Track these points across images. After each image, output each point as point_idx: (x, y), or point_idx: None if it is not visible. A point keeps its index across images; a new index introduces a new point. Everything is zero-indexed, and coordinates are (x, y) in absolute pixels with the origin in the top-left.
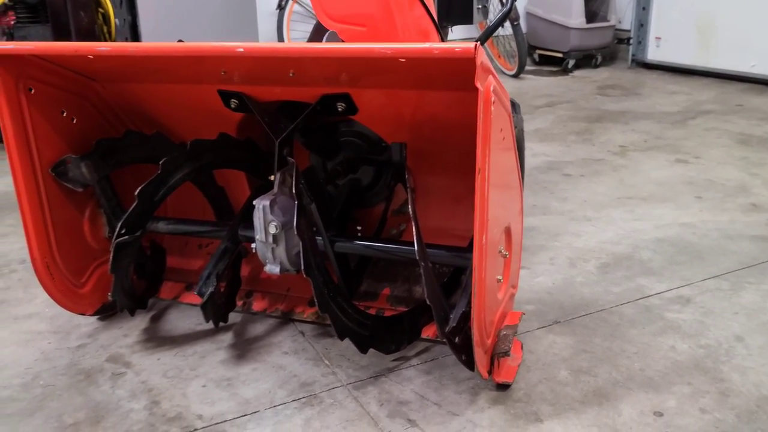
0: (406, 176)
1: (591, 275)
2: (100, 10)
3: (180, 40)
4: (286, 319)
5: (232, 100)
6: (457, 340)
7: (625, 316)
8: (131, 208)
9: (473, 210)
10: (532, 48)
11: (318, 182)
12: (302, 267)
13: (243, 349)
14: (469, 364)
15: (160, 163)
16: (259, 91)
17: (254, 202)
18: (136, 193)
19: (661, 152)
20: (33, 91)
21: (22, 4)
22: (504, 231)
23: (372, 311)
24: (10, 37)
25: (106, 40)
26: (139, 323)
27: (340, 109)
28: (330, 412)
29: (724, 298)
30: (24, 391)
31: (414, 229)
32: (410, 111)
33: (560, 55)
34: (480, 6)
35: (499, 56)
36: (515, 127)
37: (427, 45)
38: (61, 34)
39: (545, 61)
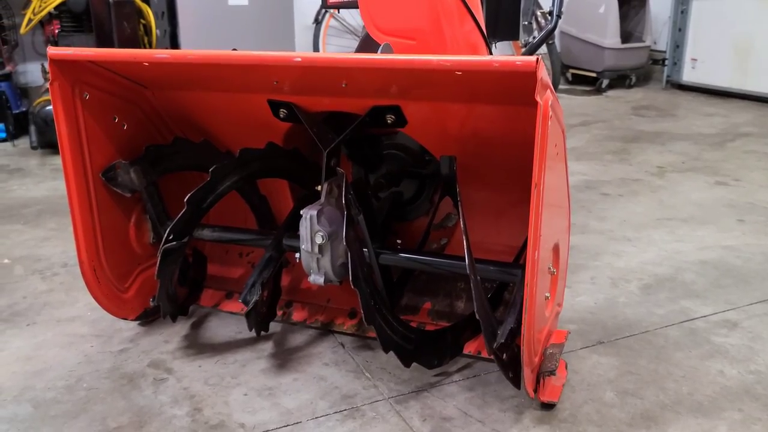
0: (457, 191)
1: (633, 296)
2: (142, 20)
3: (234, 49)
4: (326, 330)
5: (281, 110)
6: (504, 356)
7: (671, 338)
8: (180, 215)
9: (516, 225)
10: (566, 67)
11: (365, 194)
12: (350, 278)
13: (283, 358)
14: (516, 381)
15: (210, 170)
16: (308, 101)
17: (302, 212)
18: (185, 199)
19: (700, 174)
20: (88, 96)
21: (68, 13)
22: (553, 248)
23: (413, 325)
24: (55, 45)
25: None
26: (179, 330)
27: (389, 122)
28: (372, 425)
29: None
30: (68, 393)
31: (465, 243)
32: (458, 124)
33: (594, 74)
34: (526, 23)
35: None
36: None
37: (487, 58)
38: (104, 44)
39: (578, 80)
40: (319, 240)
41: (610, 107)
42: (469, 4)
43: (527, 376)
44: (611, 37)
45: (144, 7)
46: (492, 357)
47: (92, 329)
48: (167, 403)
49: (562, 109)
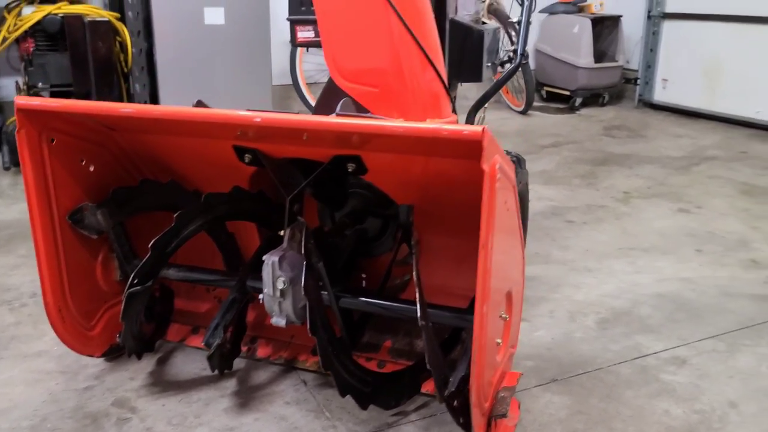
0: (412, 240)
1: (590, 331)
2: (118, 38)
3: (199, 101)
4: (289, 367)
5: (246, 155)
6: (455, 403)
7: (622, 376)
8: (144, 259)
9: (475, 270)
10: (540, 84)
11: (325, 240)
12: (308, 326)
13: (246, 397)
14: (467, 427)
15: (175, 216)
16: (272, 148)
17: (264, 258)
18: (150, 245)
19: (665, 200)
20: (54, 141)
21: (42, 32)
22: (506, 295)
23: (373, 363)
24: (29, 64)
25: (122, 68)
26: (145, 366)
27: (350, 170)
28: None
29: (720, 361)
30: None
31: (417, 293)
32: (417, 174)
33: (568, 93)
34: (489, 64)
35: (507, 92)
36: (519, 182)
37: (436, 126)
38: (78, 62)
39: (553, 98)
40: (280, 285)
41: (582, 127)
42: (428, 53)
43: (477, 420)
44: (585, 57)
45: (119, 25)
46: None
47: (58, 365)
48: None
49: (512, 165)
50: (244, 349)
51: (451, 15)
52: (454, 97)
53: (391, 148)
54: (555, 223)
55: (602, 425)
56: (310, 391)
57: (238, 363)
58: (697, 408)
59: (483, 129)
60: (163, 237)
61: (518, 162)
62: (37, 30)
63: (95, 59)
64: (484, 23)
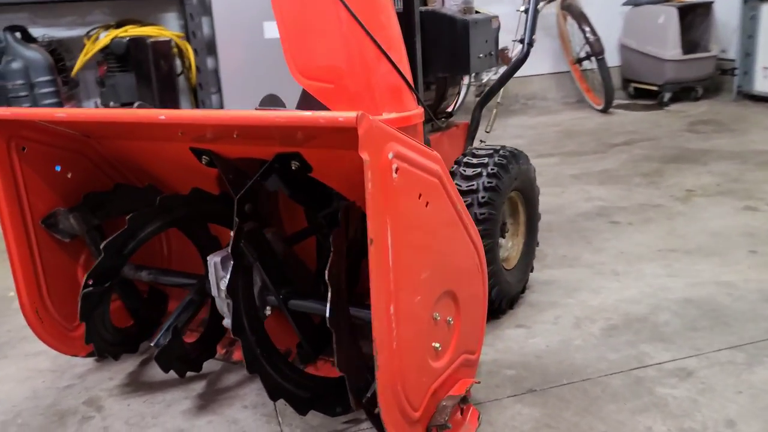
0: (332, 237)
1: (592, 338)
2: (186, 57)
3: (140, 104)
4: None
5: (203, 156)
6: (376, 411)
7: (610, 387)
8: (98, 261)
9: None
10: (627, 81)
11: (264, 242)
12: (231, 328)
13: (208, 399)
14: None
15: (127, 218)
16: (223, 148)
17: (208, 258)
18: (101, 246)
19: (731, 198)
20: (26, 149)
21: (112, 54)
22: (443, 296)
23: None
24: (102, 85)
25: (191, 85)
26: (128, 366)
27: (294, 167)
28: None
29: (732, 374)
30: (1, 429)
31: (329, 294)
32: (361, 168)
33: (656, 88)
34: (482, 55)
35: (588, 90)
36: (515, 179)
37: (311, 114)
38: (143, 82)
39: (641, 94)
40: (224, 285)
41: (665, 123)
42: (386, 45)
43: (402, 431)
44: (672, 49)
45: (183, 44)
46: (360, 410)
47: (52, 364)
48: None
49: (437, 157)
50: (222, 351)
51: (434, 6)
52: (458, 92)
53: (324, 144)
54: (597, 224)
55: None
56: None
57: (214, 366)
58: (686, 426)
59: (358, 114)
60: (116, 239)
61: (515, 157)
62: (108, 53)
63: (158, 77)
64: (477, 12)
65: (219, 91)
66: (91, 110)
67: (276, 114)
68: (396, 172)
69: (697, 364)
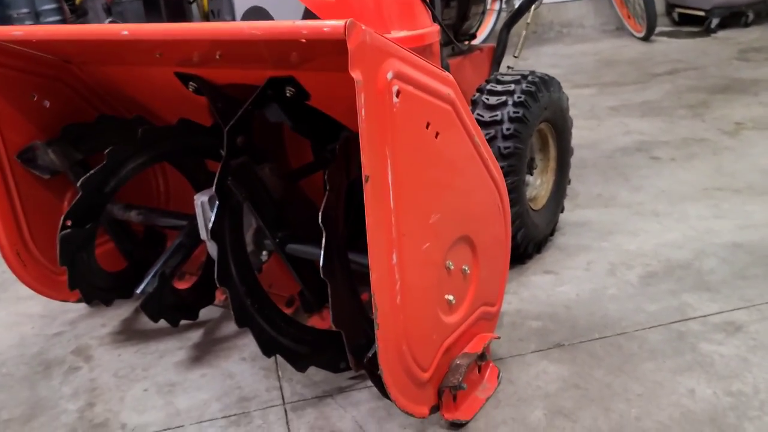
0: (327, 173)
1: (628, 287)
2: None
3: (112, 21)
4: None
5: (190, 83)
6: (379, 372)
7: (648, 343)
8: (75, 200)
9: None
10: (671, 6)
11: (255, 179)
12: (216, 277)
13: (203, 350)
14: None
15: (105, 152)
16: (212, 73)
17: (195, 198)
18: (78, 183)
19: None
20: None
21: None
22: (457, 242)
23: None
24: (109, 13)
25: (203, 12)
26: (122, 313)
27: (288, 94)
28: None
29: None
30: None
31: (324, 238)
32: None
33: (702, 13)
34: None
35: (629, 17)
36: (544, 108)
37: (291, 23)
38: (151, 8)
39: (686, 20)
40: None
41: (713, 51)
42: None
43: (410, 394)
44: None
45: None
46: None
47: (43, 309)
48: (66, 396)
49: (450, 79)
50: (222, 297)
51: None
52: (483, 12)
53: (324, 67)
54: (636, 160)
55: (598, 405)
56: None
57: (214, 312)
58: (734, 389)
59: (347, 23)
60: (94, 176)
61: (543, 85)
62: None
63: (167, 3)
64: None
65: (234, 18)
66: (50, 27)
67: (252, 25)
68: (397, 96)
69: (748, 318)
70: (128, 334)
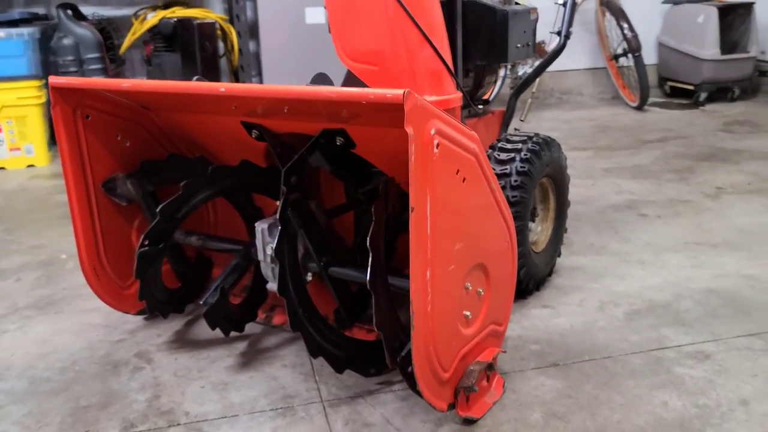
0: (373, 207)
1: (615, 321)
2: (229, 39)
3: (198, 78)
4: (299, 335)
5: (254, 130)
6: (410, 369)
7: (630, 365)
8: (153, 223)
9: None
10: (664, 79)
11: (308, 211)
12: (277, 288)
13: (249, 358)
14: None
15: (182, 184)
16: (272, 123)
17: (255, 225)
18: (157, 210)
19: (761, 197)
20: (90, 118)
21: (159, 34)
22: (474, 268)
23: (373, 335)
24: (148, 64)
25: (232, 67)
26: (174, 325)
27: (338, 143)
28: (298, 424)
29: (749, 358)
30: (60, 374)
31: (371, 259)
32: (401, 146)
33: (692, 87)
34: (520, 45)
35: (624, 87)
36: (546, 166)
37: (361, 90)
38: (188, 61)
39: (677, 93)
40: (269, 251)
41: (700, 122)
42: (429, 31)
43: (432, 388)
44: (710, 48)
45: (228, 27)
46: (395, 368)
47: (104, 320)
48: (135, 389)
49: (476, 137)
50: (262, 316)
51: None
52: (495, 81)
53: (370, 121)
54: (626, 216)
55: (586, 410)
56: (310, 357)
57: (255, 328)
58: (700, 402)
59: (405, 92)
60: (171, 204)
61: (548, 145)
62: (155, 33)
63: (202, 59)
64: (517, 3)
65: (259, 73)
66: (154, 82)
67: (329, 89)
68: (437, 148)
69: (715, 348)
70: (181, 342)
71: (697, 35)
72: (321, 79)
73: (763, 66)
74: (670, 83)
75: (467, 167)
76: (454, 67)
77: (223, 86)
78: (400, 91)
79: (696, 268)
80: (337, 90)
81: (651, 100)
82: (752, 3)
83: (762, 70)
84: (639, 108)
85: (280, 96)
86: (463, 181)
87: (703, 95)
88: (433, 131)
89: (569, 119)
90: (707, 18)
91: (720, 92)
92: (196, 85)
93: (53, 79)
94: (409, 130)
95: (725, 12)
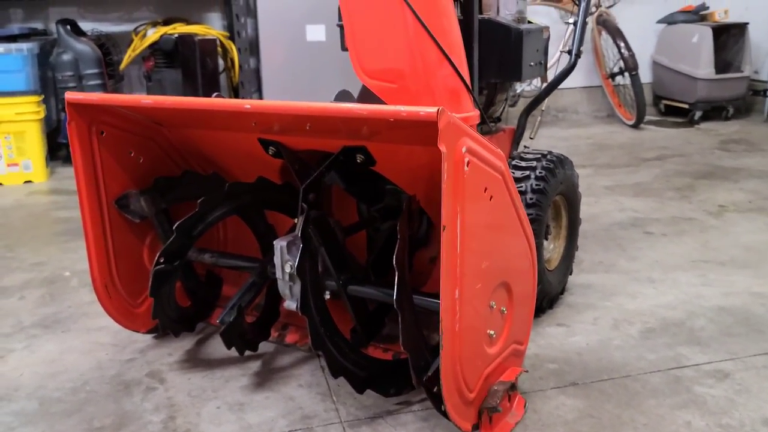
0: (398, 225)
1: (630, 339)
2: (230, 56)
3: (218, 95)
4: (313, 354)
5: (270, 147)
6: (435, 389)
7: (650, 384)
8: (169, 241)
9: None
10: (659, 98)
11: (329, 229)
12: (300, 306)
13: (264, 377)
14: (447, 414)
15: (198, 201)
16: (291, 140)
17: (274, 242)
18: (174, 227)
19: (763, 215)
20: (104, 134)
21: (160, 50)
22: (499, 286)
23: (389, 354)
24: (148, 80)
25: (233, 83)
26: (185, 344)
27: (358, 161)
28: None
29: (767, 377)
30: (72, 394)
31: (397, 277)
32: (423, 164)
33: (687, 106)
34: (533, 63)
35: (619, 105)
36: (560, 183)
37: (393, 108)
38: (189, 78)
39: (672, 111)
40: (288, 269)
41: (696, 140)
42: (448, 49)
43: (458, 408)
44: (704, 68)
45: (228, 44)
46: (419, 388)
47: (113, 339)
48: (149, 409)
49: (501, 158)
50: (275, 334)
51: (490, 15)
52: (506, 99)
53: (392, 138)
54: (632, 233)
55: (609, 430)
56: (326, 376)
57: (269, 347)
58: (723, 422)
59: (439, 110)
60: (187, 221)
61: (561, 163)
62: (156, 49)
63: (203, 75)
64: (530, 22)
65: (259, 90)
66: (175, 98)
67: (360, 107)
68: (467, 166)
69: (734, 367)
70: (194, 362)
71: (691, 55)
72: (345, 96)
73: (757, 85)
74: (664, 102)
75: (494, 185)
76: (471, 85)
77: (249, 103)
78: (433, 109)
79: (706, 286)
80: (369, 107)
81: (646, 118)
82: (746, 23)
83: (755, 90)
84: (635, 126)
85: (309, 114)
86: (491, 199)
87: (698, 114)
88: (464, 149)
89: (566, 137)
90: (702, 38)
91: (714, 111)
92: (222, 102)
93: (70, 95)
94: (442, 148)
95: (719, 32)
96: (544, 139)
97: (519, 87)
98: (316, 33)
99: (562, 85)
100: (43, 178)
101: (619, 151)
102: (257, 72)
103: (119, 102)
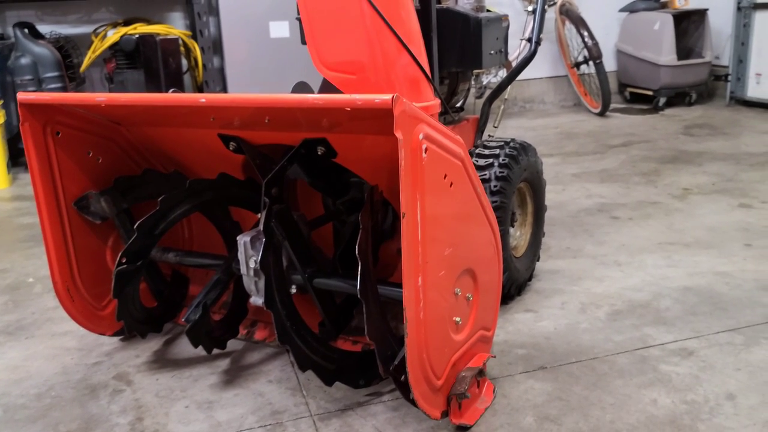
0: (360, 216)
1: (598, 322)
2: (193, 55)
3: (174, 90)
4: (282, 349)
5: (231, 143)
6: (403, 378)
7: (617, 365)
8: (131, 240)
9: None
10: (623, 86)
11: (292, 223)
12: (264, 301)
13: (233, 375)
14: (415, 402)
15: (159, 200)
16: (250, 135)
17: (237, 238)
18: (135, 226)
19: (726, 196)
20: (60, 134)
21: (121, 51)
22: (463, 273)
23: (359, 346)
24: (110, 81)
25: (197, 82)
26: (153, 345)
27: (320, 153)
28: None
29: (731, 353)
30: (36, 400)
31: (359, 268)
32: (384, 154)
33: (651, 93)
34: (493, 52)
35: (585, 94)
36: (524, 170)
37: (349, 96)
38: (152, 78)
39: (636, 99)
40: (252, 264)
41: (660, 126)
42: (406, 39)
43: (426, 396)
44: (666, 54)
45: (191, 43)
46: (387, 377)
47: (78, 343)
48: (116, 412)
49: (460, 144)
50: (243, 332)
51: (448, 4)
52: (468, 88)
53: (351, 129)
54: (598, 219)
55: (578, 412)
56: (296, 371)
57: (237, 345)
58: (688, 398)
59: (393, 97)
60: (148, 219)
61: (525, 150)
62: (117, 50)
63: (166, 75)
64: (488, 11)
65: (224, 88)
66: (131, 95)
67: (315, 97)
68: (425, 152)
69: (698, 345)
70: (161, 362)
71: (654, 42)
72: (302, 87)
73: (718, 70)
74: (629, 89)
75: (454, 172)
76: (431, 75)
77: (204, 97)
78: (388, 96)
79: (671, 267)
80: (324, 97)
81: (612, 106)
82: (706, 10)
83: (717, 75)
84: (601, 114)
85: (265, 105)
86: (451, 185)
87: (662, 100)
88: (421, 136)
89: (534, 127)
90: (663, 25)
91: (678, 97)
92: (177, 97)
93: (22, 96)
94: (398, 135)
95: (680, 19)
96: (512, 129)
97: (485, 78)
98: (280, 29)
99: (528, 76)
100: (5, 184)
101: (585, 139)
102: (221, 71)
103: (72, 101)
